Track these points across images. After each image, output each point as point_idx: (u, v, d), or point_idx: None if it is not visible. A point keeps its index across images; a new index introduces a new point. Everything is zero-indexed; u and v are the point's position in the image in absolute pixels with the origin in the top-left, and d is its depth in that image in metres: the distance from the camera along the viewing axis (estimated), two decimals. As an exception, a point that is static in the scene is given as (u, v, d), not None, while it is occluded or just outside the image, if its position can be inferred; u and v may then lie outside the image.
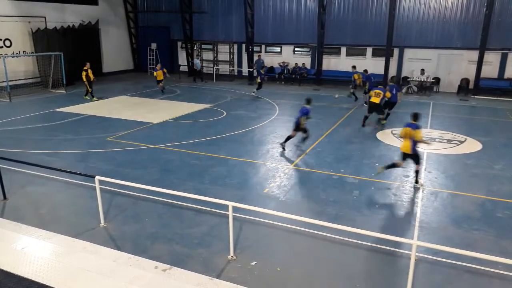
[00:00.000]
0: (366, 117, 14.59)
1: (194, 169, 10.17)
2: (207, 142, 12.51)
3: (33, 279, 5.34)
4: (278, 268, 6.06)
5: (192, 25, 27.45)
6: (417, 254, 5.57)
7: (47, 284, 5.23)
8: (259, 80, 20.35)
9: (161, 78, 20.85)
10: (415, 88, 22.35)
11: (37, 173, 9.46)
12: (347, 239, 6.76)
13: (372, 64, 23.63)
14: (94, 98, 19.05)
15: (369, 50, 23.93)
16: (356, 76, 19.15)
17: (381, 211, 8.08)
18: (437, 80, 22.69)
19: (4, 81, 18.47)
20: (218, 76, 26.40)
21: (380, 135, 13.48)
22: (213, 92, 21.97)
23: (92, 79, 18.94)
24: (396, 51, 23.25)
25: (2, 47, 20.74)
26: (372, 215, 7.87)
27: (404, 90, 22.21)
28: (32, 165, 8.44)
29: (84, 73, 18.72)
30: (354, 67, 20.46)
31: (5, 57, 18.85)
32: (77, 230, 7.00)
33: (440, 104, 19.45)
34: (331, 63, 24.88)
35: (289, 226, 7.19)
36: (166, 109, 17.31)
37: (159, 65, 21.37)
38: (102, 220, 7.27)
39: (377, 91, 14.13)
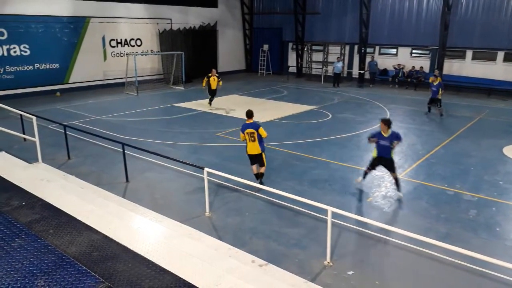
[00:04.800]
0: None
1: (295, 169, 10.19)
2: (309, 143, 12.43)
3: (145, 256, 5.88)
4: (377, 282, 5.75)
5: (304, 26, 27.57)
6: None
7: (156, 262, 5.72)
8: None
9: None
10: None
11: (155, 161, 10.43)
12: (457, 261, 6.11)
13: (502, 70, 21.10)
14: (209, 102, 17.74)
15: (501, 54, 21.30)
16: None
17: (503, 235, 7.13)
18: None
19: (134, 77, 20.79)
20: (326, 78, 26.06)
21: (507, 150, 11.90)
22: (320, 93, 21.76)
23: (213, 87, 17.14)
24: (534, 56, 20.34)
25: (134, 46, 23.38)
26: (490, 239, 6.99)
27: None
28: (152, 153, 9.35)
29: (205, 79, 17.04)
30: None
31: (136, 55, 21.19)
32: (184, 216, 7.53)
33: None
34: (453, 67, 22.76)
35: (392, 239, 6.76)
36: (272, 109, 17.65)
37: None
38: (207, 210, 7.71)
39: None
